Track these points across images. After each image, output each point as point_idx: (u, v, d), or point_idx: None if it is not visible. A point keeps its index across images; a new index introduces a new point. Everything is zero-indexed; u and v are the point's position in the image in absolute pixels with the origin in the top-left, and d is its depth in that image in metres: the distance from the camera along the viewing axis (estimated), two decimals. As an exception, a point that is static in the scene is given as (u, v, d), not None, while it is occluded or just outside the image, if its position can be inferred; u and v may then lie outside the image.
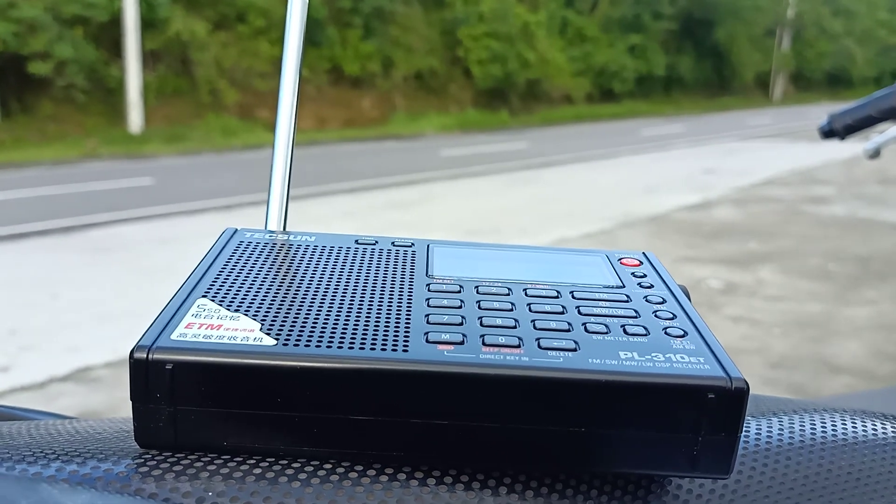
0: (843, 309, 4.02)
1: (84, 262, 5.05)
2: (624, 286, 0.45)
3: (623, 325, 0.39)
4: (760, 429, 0.44)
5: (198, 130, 14.49)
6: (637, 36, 27.26)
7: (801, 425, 0.45)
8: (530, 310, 0.41)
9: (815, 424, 0.45)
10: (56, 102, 13.62)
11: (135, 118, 13.80)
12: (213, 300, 0.40)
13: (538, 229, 6.19)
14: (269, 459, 0.36)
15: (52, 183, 8.61)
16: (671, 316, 0.41)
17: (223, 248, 0.47)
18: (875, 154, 1.12)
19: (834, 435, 0.44)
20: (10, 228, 5.95)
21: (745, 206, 7.28)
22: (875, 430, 0.45)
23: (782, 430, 0.44)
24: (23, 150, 11.86)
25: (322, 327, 0.38)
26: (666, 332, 0.39)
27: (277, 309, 0.39)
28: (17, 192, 7.98)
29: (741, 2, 30.23)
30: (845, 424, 0.45)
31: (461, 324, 0.39)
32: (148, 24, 14.34)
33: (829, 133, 1.10)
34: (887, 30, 44.58)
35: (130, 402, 0.35)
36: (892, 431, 0.45)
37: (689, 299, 0.44)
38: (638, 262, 0.49)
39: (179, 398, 0.35)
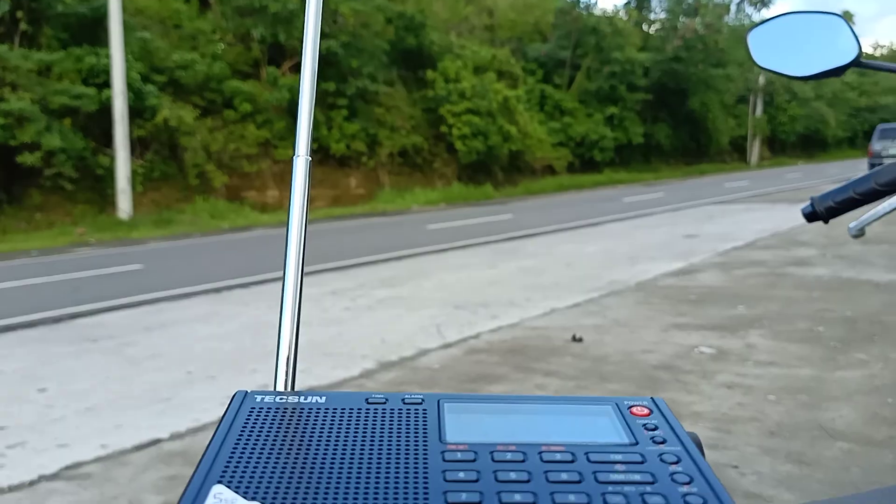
0: (834, 372, 4.03)
1: (70, 353, 5.01)
2: (637, 442, 0.47)
3: (642, 495, 0.40)
4: None
5: (186, 214, 14.59)
6: (614, 107, 27.99)
7: None
8: (547, 479, 0.42)
9: None
10: (44, 192, 13.71)
11: (123, 205, 13.89)
12: (229, 485, 0.41)
13: (527, 302, 6.21)
14: None
15: (41, 274, 8.60)
16: (688, 479, 0.42)
17: (234, 417, 0.48)
18: (860, 233, 1.12)
19: None
20: (-4, 321, 5.90)
21: (730, 271, 7.35)
22: None
23: None
24: (10, 241, 11.87)
25: None
26: (686, 502, 0.40)
27: (294, 495, 0.40)
28: (3, 284, 7.96)
29: (711, 72, 31.19)
30: None
31: (480, 502, 0.39)
32: (136, 112, 14.60)
33: (812, 216, 1.11)
34: (857, 92, 46.07)
35: None
36: None
37: (702, 450, 0.46)
38: (648, 412, 0.51)
39: None
